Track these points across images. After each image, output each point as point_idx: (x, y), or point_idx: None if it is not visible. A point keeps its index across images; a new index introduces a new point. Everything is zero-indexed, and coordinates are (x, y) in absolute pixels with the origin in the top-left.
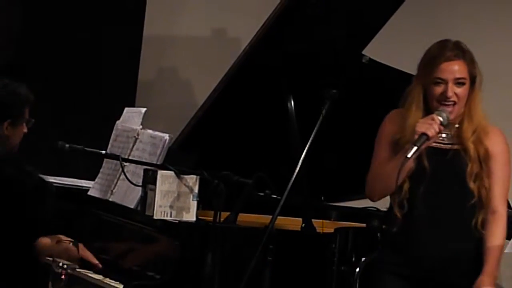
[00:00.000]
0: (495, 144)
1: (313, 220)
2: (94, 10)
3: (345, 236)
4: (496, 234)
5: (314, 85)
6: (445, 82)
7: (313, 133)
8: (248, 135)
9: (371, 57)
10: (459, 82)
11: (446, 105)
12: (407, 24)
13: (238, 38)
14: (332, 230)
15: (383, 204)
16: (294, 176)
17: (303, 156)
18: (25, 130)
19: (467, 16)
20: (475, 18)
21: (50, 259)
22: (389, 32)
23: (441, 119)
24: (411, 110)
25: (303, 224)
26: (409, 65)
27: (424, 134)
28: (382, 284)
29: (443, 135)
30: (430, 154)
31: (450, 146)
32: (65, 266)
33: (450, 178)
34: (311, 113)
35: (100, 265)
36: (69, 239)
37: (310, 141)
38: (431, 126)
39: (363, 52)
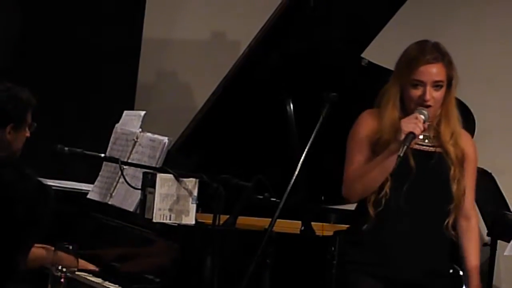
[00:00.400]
0: (469, 147)
1: (313, 223)
2: (94, 13)
3: (343, 239)
4: (475, 247)
5: (313, 88)
6: (423, 84)
7: (312, 136)
8: (247, 138)
9: (370, 60)
10: (437, 85)
11: (423, 107)
12: (406, 27)
13: (237, 41)
14: (331, 233)
15: None
16: (293, 179)
17: (302, 159)
18: (28, 134)
19: (465, 19)
20: (473, 21)
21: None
22: (388, 35)
23: (423, 117)
24: (388, 109)
25: (302, 227)
26: None
27: (411, 132)
28: (356, 285)
29: (423, 137)
30: (415, 155)
31: (433, 149)
32: (64, 270)
33: (433, 180)
34: (310, 116)
35: (96, 269)
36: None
37: (309, 144)
38: (416, 125)
39: (362, 55)
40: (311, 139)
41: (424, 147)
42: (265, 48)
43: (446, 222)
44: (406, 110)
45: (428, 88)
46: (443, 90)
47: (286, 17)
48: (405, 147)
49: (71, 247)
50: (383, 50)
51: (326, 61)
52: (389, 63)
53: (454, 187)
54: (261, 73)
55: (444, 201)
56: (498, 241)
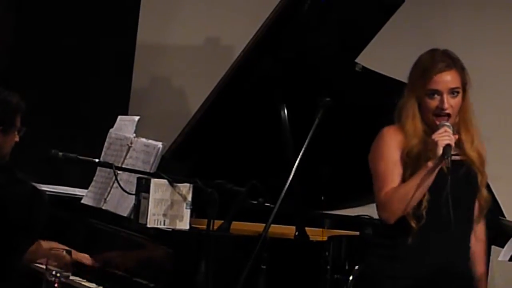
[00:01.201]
0: (484, 151)
1: (312, 228)
2: (87, 19)
3: (339, 244)
4: (483, 249)
5: (308, 93)
6: (440, 93)
7: (307, 141)
8: (242, 143)
9: (364, 65)
10: (453, 92)
11: (441, 116)
12: (400, 32)
13: (231, 47)
14: (325, 238)
15: (376, 212)
16: (288, 184)
17: (296, 164)
18: (17, 139)
19: (461, 24)
20: (470, 26)
21: (43, 267)
22: (382, 40)
23: (451, 129)
24: (409, 123)
25: (297, 232)
26: (403, 73)
27: (448, 145)
28: None
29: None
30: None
31: (459, 157)
32: (58, 275)
33: (467, 189)
34: (305, 121)
35: (95, 264)
36: (64, 246)
37: (303, 149)
38: (449, 136)
39: (356, 60)
40: (305, 144)
41: (451, 157)
42: (259, 54)
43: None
44: (426, 121)
45: (445, 96)
46: (459, 96)
47: (280, 23)
48: (450, 158)
49: (65, 252)
50: (378, 55)
51: (320, 66)
52: (384, 68)
53: (484, 193)
54: (255, 78)
55: (473, 209)
56: (492, 246)
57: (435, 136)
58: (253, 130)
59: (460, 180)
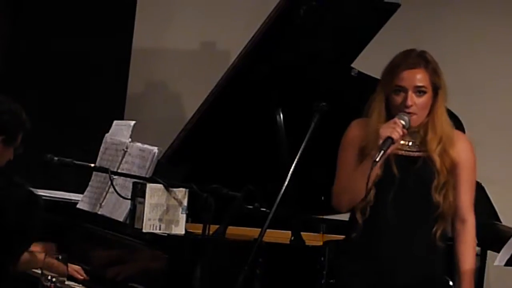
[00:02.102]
0: (461, 152)
1: (312, 233)
2: (84, 23)
3: (335, 249)
4: (468, 248)
5: (303, 98)
6: (405, 90)
7: (303, 146)
8: (237, 148)
9: (360, 70)
10: (419, 91)
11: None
12: (396, 37)
13: (227, 51)
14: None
15: None
16: (283, 189)
17: (292, 169)
18: (12, 156)
19: (453, 29)
20: (461, 31)
21: (39, 272)
22: (378, 45)
23: (403, 122)
24: (373, 118)
25: (292, 237)
26: None
27: (389, 137)
28: None
29: (410, 143)
30: (399, 162)
31: (418, 154)
32: (53, 280)
33: (417, 187)
34: (301, 126)
35: (86, 277)
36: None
37: (299, 154)
38: (394, 129)
39: (352, 65)
40: (301, 149)
41: (408, 152)
42: (255, 59)
43: (433, 231)
44: (391, 118)
45: (410, 93)
46: (427, 97)
47: (275, 28)
48: (382, 152)
49: (60, 257)
50: (373, 60)
51: (316, 71)
52: (379, 73)
53: (436, 196)
54: (251, 83)
55: (428, 208)
56: (488, 251)
57: (382, 126)
58: (249, 134)
59: (412, 176)
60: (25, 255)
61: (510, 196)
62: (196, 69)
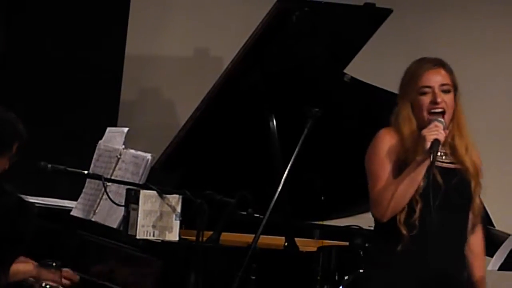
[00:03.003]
0: (478, 158)
1: (302, 239)
2: (76, 31)
3: (328, 254)
4: (481, 257)
5: (296, 104)
6: (432, 89)
7: (296, 152)
8: (231, 154)
9: (353, 76)
10: (444, 90)
11: (436, 113)
12: (388, 42)
13: (220, 57)
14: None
15: (366, 222)
16: (277, 195)
17: (285, 175)
18: (7, 166)
19: (448, 33)
20: (458, 34)
21: (33, 279)
22: (370, 50)
23: (442, 124)
24: (406, 127)
25: (286, 243)
26: (391, 83)
27: (436, 139)
28: None
29: (442, 155)
30: (441, 173)
31: (454, 165)
32: (48, 286)
33: (459, 198)
34: (294, 132)
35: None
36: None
37: (292, 159)
38: (438, 131)
39: (345, 71)
40: (294, 155)
41: (445, 164)
42: (248, 65)
43: (466, 241)
44: (421, 123)
45: (437, 91)
46: (451, 95)
47: (268, 34)
48: (435, 153)
49: (54, 264)
50: (366, 66)
51: (308, 77)
52: (373, 78)
53: (477, 202)
54: (244, 89)
55: (467, 218)
56: None
57: (425, 131)
58: (242, 140)
59: (452, 189)
60: (17, 265)
61: (503, 200)
62: (189, 75)
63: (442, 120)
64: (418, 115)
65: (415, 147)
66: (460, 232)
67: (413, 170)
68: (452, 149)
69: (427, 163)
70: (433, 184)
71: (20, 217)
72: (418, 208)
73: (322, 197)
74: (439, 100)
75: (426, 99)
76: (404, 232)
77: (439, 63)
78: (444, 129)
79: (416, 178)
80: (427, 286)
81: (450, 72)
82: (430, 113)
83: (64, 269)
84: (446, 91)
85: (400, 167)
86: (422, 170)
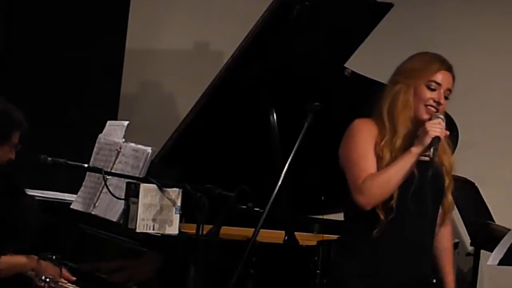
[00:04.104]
0: (452, 158)
1: (302, 233)
2: (77, 24)
3: (328, 249)
4: (449, 253)
5: (297, 98)
6: (440, 88)
7: (296, 146)
8: (231, 148)
9: (353, 70)
10: (446, 95)
11: (432, 111)
12: (389, 37)
13: (221, 51)
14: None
15: None
16: (277, 189)
17: (285, 169)
18: (12, 155)
19: (448, 28)
20: (455, 30)
21: (32, 272)
22: (371, 45)
23: (444, 123)
24: (402, 112)
25: (286, 237)
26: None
27: (437, 137)
28: None
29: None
30: (417, 165)
31: (428, 159)
32: (47, 280)
33: (432, 189)
34: (294, 126)
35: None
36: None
37: (292, 154)
38: (442, 130)
39: (345, 65)
40: (294, 149)
41: (422, 157)
42: (248, 59)
43: (435, 230)
44: (415, 112)
45: (442, 92)
46: (445, 102)
47: (269, 28)
48: (435, 150)
49: (54, 257)
50: (367, 60)
51: (309, 71)
52: (373, 72)
53: (448, 197)
54: (244, 83)
55: (436, 212)
56: (481, 251)
57: (428, 125)
58: (242, 134)
59: (427, 180)
60: (13, 258)
61: (503, 196)
62: (189, 69)
63: (444, 118)
64: (415, 103)
65: (408, 135)
66: (430, 223)
67: (407, 161)
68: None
69: (418, 154)
70: (409, 175)
71: (14, 205)
72: (395, 193)
73: (322, 197)
74: (442, 101)
75: (430, 94)
76: (382, 217)
77: (451, 69)
78: (446, 128)
79: (407, 168)
80: (399, 273)
81: (454, 80)
82: (426, 106)
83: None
84: (446, 97)
85: (377, 156)
86: (413, 161)
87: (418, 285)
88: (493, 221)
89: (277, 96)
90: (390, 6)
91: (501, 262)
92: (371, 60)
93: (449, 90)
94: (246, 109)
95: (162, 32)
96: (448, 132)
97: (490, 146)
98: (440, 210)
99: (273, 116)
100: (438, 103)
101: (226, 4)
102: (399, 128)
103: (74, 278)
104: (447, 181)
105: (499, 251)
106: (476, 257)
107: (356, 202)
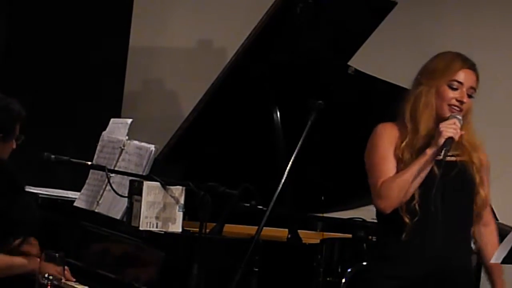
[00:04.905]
0: (484, 156)
1: (306, 231)
2: (80, 22)
3: (331, 247)
4: (495, 248)
5: (300, 96)
6: (462, 86)
7: (299, 144)
8: (234, 146)
9: (357, 68)
10: (470, 94)
11: (454, 108)
12: (392, 34)
13: (224, 49)
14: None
15: (369, 214)
16: (280, 187)
17: (288, 167)
18: (14, 146)
19: (452, 26)
20: (460, 27)
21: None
22: (375, 43)
23: (460, 123)
24: (424, 113)
25: (289, 235)
26: (395, 76)
27: (451, 138)
28: None
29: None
30: (438, 164)
31: (454, 158)
32: (50, 278)
33: (458, 189)
34: (297, 124)
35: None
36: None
37: (296, 152)
38: (456, 130)
39: (349, 63)
40: (297, 147)
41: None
42: (252, 57)
43: (471, 233)
44: (438, 112)
45: (465, 90)
46: (471, 100)
47: (272, 26)
48: (447, 151)
49: (57, 255)
50: (370, 58)
51: (312, 69)
52: (377, 70)
53: (481, 194)
54: (248, 81)
55: (469, 208)
56: None
57: (442, 126)
58: (245, 132)
59: (451, 181)
60: (17, 259)
61: (507, 194)
62: (192, 67)
63: (461, 118)
64: (437, 103)
65: (428, 137)
66: (461, 223)
67: (423, 163)
68: (461, 144)
69: (432, 155)
70: (429, 175)
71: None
72: (417, 193)
73: (323, 197)
74: (465, 100)
75: (452, 93)
76: (407, 220)
77: (474, 66)
78: (461, 129)
79: (423, 170)
80: (429, 275)
81: (478, 79)
82: (449, 106)
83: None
84: (470, 95)
85: (397, 160)
86: (430, 163)
87: (447, 285)
88: (497, 219)
89: (280, 94)
90: (393, 4)
91: (505, 261)
92: (375, 58)
93: (473, 88)
94: (250, 107)
95: (165, 29)
96: (463, 132)
97: (493, 144)
98: (474, 207)
99: (277, 114)
100: (461, 102)
101: (229, 2)
102: (420, 129)
103: (73, 280)
104: (477, 178)
105: (503, 250)
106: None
107: (375, 205)
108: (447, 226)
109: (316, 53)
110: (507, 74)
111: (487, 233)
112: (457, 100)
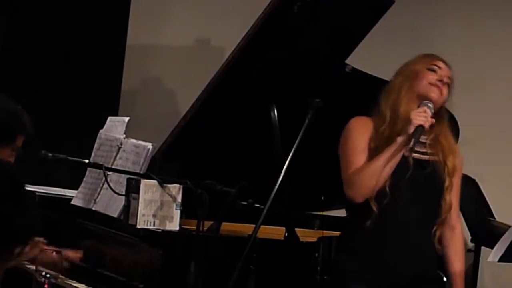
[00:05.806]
0: (459, 160)
1: (303, 229)
2: (78, 20)
3: (329, 245)
4: (460, 255)
5: (297, 95)
6: (441, 71)
7: (296, 142)
8: (232, 144)
9: (354, 66)
10: (446, 82)
11: (434, 87)
12: (390, 33)
13: (222, 48)
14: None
15: None
16: (277, 185)
17: (286, 165)
18: (12, 159)
19: (450, 24)
20: (458, 26)
21: (33, 267)
22: (372, 41)
23: (430, 111)
24: (405, 97)
25: (286, 233)
26: (393, 74)
27: (421, 126)
28: None
29: (422, 140)
30: (411, 160)
31: (427, 157)
32: (48, 276)
33: (429, 186)
34: (295, 122)
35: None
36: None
37: (293, 150)
38: (426, 118)
39: (346, 61)
40: (295, 146)
41: (418, 155)
42: (249, 55)
43: (434, 231)
44: (418, 91)
45: (444, 75)
46: (448, 91)
47: (270, 24)
48: (416, 139)
49: (54, 253)
50: (368, 56)
51: (310, 67)
52: (374, 69)
53: (446, 198)
54: (245, 79)
55: (434, 211)
56: (482, 247)
57: (412, 113)
58: (243, 131)
59: (422, 177)
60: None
61: (504, 192)
62: (190, 65)
63: (431, 106)
64: (418, 84)
65: (406, 120)
66: (426, 222)
67: (392, 150)
68: (435, 142)
69: (402, 144)
70: (402, 168)
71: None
72: (387, 186)
73: (322, 197)
74: (445, 80)
75: (432, 74)
76: (374, 208)
77: (447, 63)
78: (432, 117)
79: (393, 157)
80: (390, 267)
81: (452, 75)
82: (430, 84)
83: (65, 251)
84: (446, 83)
85: (372, 153)
86: (399, 151)
87: (415, 280)
88: (494, 217)
89: (278, 92)
90: (391, 2)
91: (502, 259)
92: (373, 56)
93: (449, 78)
94: (247, 105)
95: (163, 28)
96: (434, 120)
97: (491, 142)
98: (441, 210)
99: (274, 112)
100: (442, 82)
101: (227, 1)
102: (401, 112)
103: (79, 255)
104: (447, 182)
105: (500, 248)
106: (477, 253)
107: (346, 195)
108: (412, 218)
109: (314, 51)
110: (507, 73)
111: (452, 238)
112: (437, 80)
